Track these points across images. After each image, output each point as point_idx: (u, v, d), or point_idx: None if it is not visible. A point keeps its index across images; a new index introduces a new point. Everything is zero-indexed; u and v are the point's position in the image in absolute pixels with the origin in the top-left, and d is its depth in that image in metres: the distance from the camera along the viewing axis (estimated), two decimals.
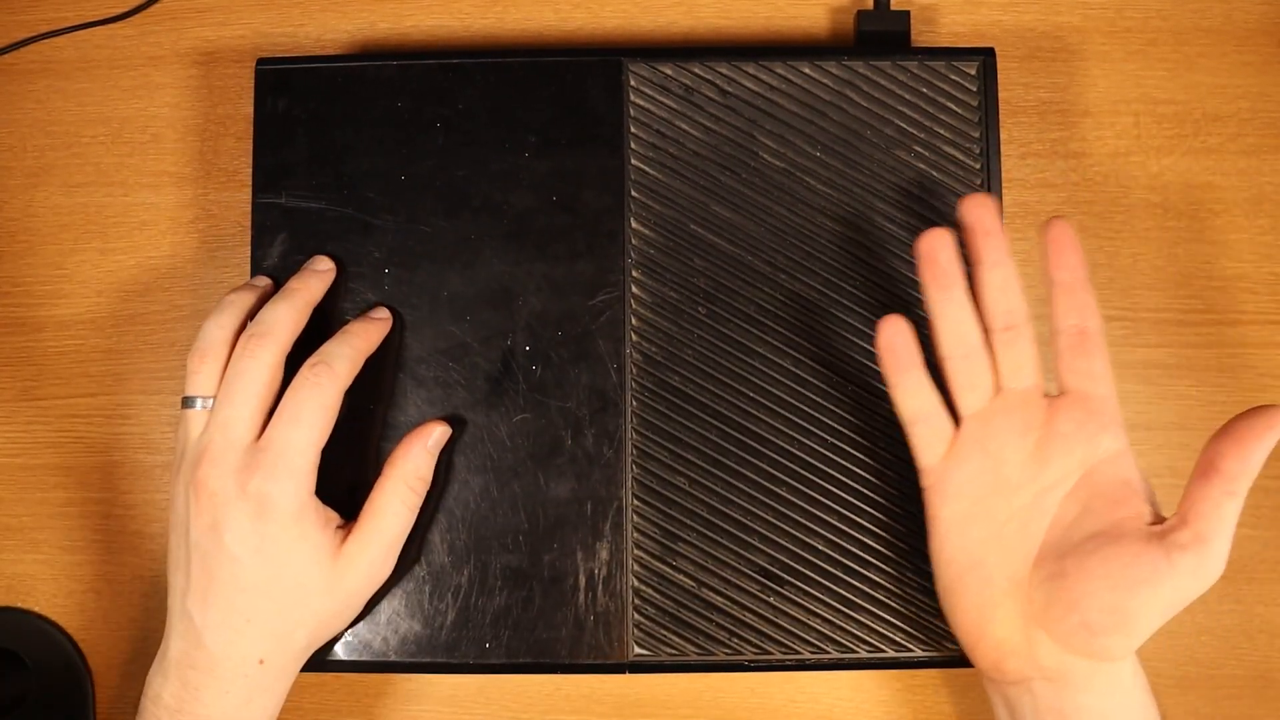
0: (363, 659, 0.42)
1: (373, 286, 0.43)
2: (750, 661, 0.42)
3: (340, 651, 0.42)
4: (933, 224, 0.43)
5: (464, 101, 0.44)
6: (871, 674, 0.46)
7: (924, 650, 0.42)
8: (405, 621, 0.42)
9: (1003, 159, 0.50)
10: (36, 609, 0.48)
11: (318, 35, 0.50)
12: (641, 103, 0.44)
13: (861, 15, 0.47)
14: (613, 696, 0.47)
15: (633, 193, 0.44)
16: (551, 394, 0.43)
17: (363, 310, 0.43)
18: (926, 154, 0.44)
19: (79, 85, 0.51)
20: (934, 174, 0.44)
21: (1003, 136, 0.51)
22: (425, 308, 0.43)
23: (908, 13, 0.47)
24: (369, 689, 0.47)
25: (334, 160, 0.44)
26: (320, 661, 0.42)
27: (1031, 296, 0.49)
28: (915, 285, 0.43)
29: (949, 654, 0.42)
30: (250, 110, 0.45)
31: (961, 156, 0.44)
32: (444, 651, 0.42)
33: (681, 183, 0.44)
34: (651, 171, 0.44)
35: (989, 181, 0.44)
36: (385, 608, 0.42)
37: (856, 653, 0.42)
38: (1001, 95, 0.49)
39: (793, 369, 0.43)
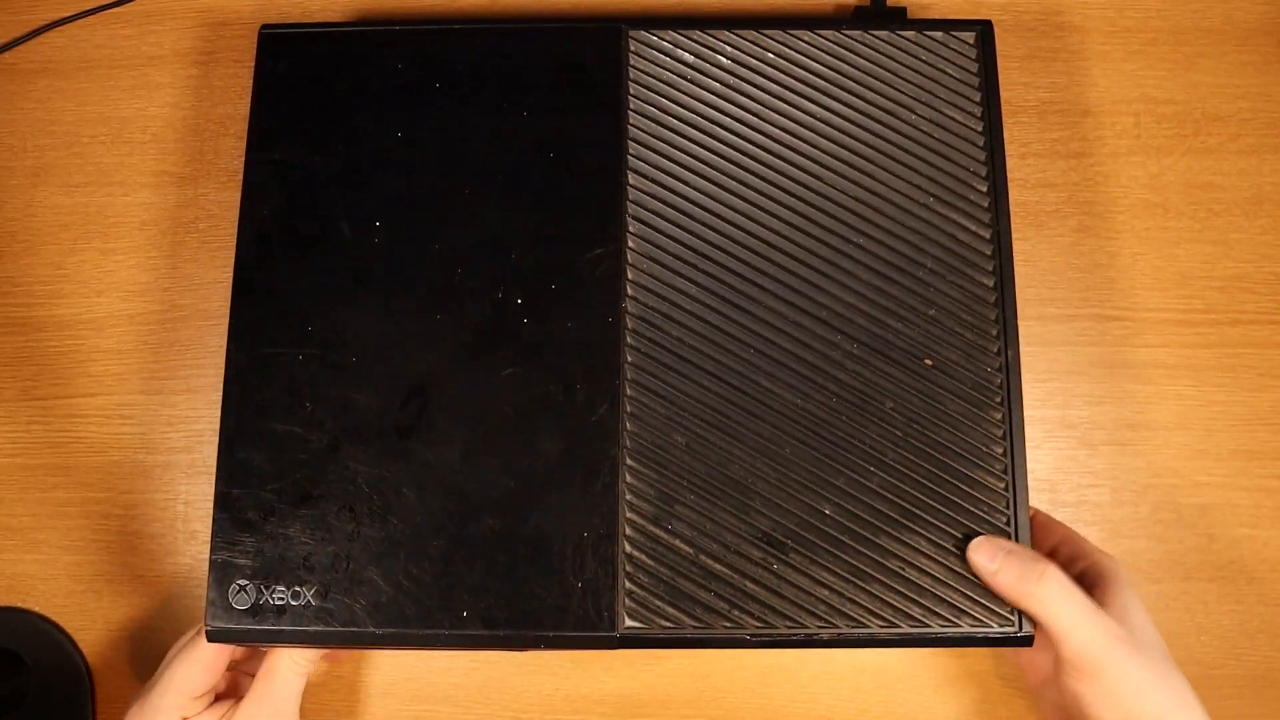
0: (331, 629, 0.39)
1: (363, 238, 0.42)
2: (752, 636, 0.39)
3: (306, 619, 0.39)
4: (931, 191, 0.43)
5: (463, 65, 0.44)
6: (872, 675, 0.46)
7: (942, 625, 0.39)
8: (376, 587, 0.40)
9: (1003, 159, 0.50)
10: (36, 609, 0.48)
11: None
12: (641, 69, 0.44)
13: (859, 11, 0.48)
14: (613, 696, 0.47)
15: (631, 151, 0.43)
16: (543, 348, 0.41)
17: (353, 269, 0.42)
18: (928, 122, 0.43)
19: (79, 85, 0.51)
20: (936, 141, 0.43)
21: (1003, 136, 0.51)
22: (415, 258, 0.42)
23: (904, 10, 0.47)
24: (369, 689, 0.47)
25: (331, 119, 0.44)
26: (281, 631, 0.40)
27: (1030, 295, 0.49)
28: (913, 246, 0.42)
29: (968, 630, 0.39)
30: None
31: (964, 124, 0.43)
32: (418, 621, 0.39)
33: (680, 142, 0.43)
34: (650, 136, 0.43)
35: (992, 152, 0.43)
36: (354, 572, 0.40)
37: (868, 627, 0.39)
38: (1002, 95, 0.49)
39: (794, 322, 0.42)
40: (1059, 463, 0.48)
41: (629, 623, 0.39)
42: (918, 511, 0.40)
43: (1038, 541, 0.43)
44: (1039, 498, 0.48)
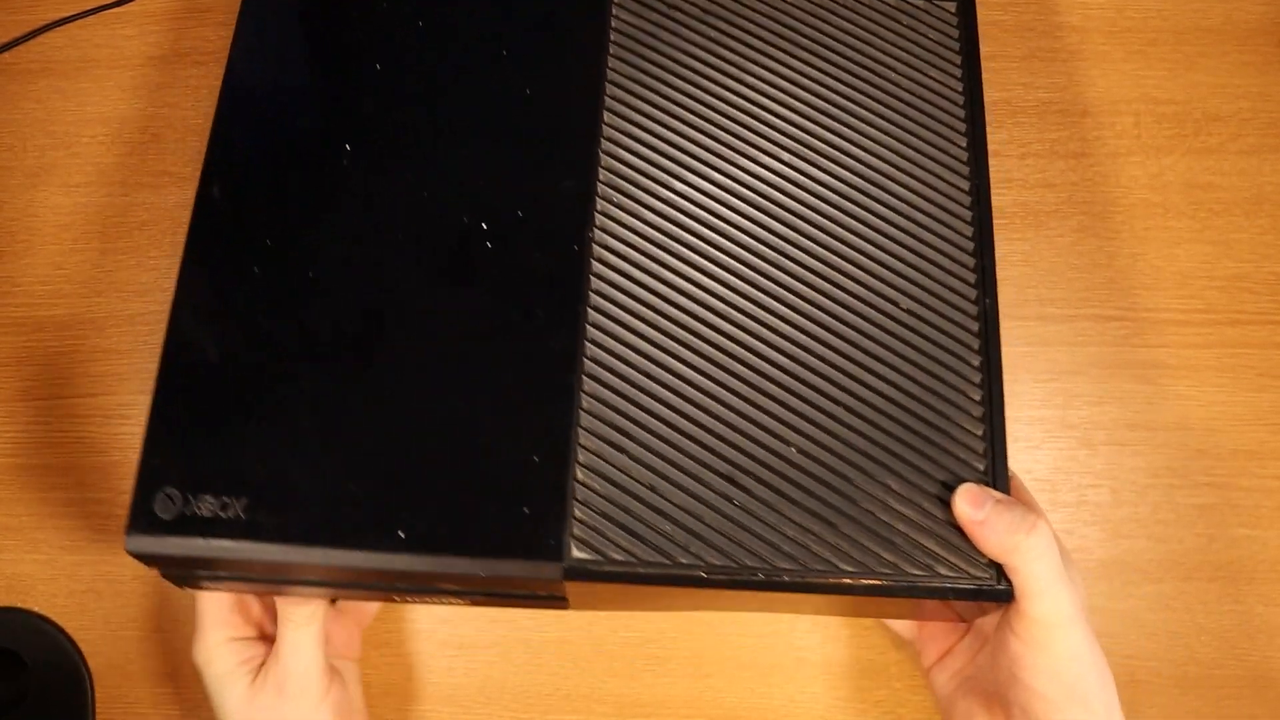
0: (259, 544, 0.36)
1: (331, 159, 0.42)
2: (709, 574, 0.37)
3: (233, 534, 0.36)
4: (917, 145, 0.43)
5: (447, 5, 0.44)
6: (872, 675, 0.46)
7: (917, 571, 0.37)
8: (310, 502, 0.37)
9: (1003, 159, 0.50)
10: (36, 609, 0.48)
11: None
12: (624, 19, 0.45)
13: None
14: (613, 696, 0.47)
15: (609, 93, 0.44)
16: (506, 274, 0.40)
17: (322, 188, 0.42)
18: (908, 80, 0.44)
19: (79, 85, 0.51)
20: (916, 99, 0.44)
21: (1003, 137, 0.51)
22: (382, 182, 0.42)
23: None
24: (369, 688, 0.47)
25: (312, 51, 0.44)
26: (208, 546, 0.36)
27: (1030, 295, 0.49)
28: (891, 195, 0.42)
29: (943, 582, 0.37)
30: None
31: (944, 85, 0.44)
32: (351, 540, 0.36)
33: (660, 88, 0.44)
34: (630, 81, 0.44)
35: (972, 110, 0.43)
36: (290, 486, 0.37)
37: (836, 571, 0.37)
38: (1002, 95, 0.50)
39: (766, 261, 0.41)
40: (1059, 463, 0.48)
41: (576, 553, 0.37)
42: (890, 455, 0.39)
43: None
44: (1039, 498, 0.48)
